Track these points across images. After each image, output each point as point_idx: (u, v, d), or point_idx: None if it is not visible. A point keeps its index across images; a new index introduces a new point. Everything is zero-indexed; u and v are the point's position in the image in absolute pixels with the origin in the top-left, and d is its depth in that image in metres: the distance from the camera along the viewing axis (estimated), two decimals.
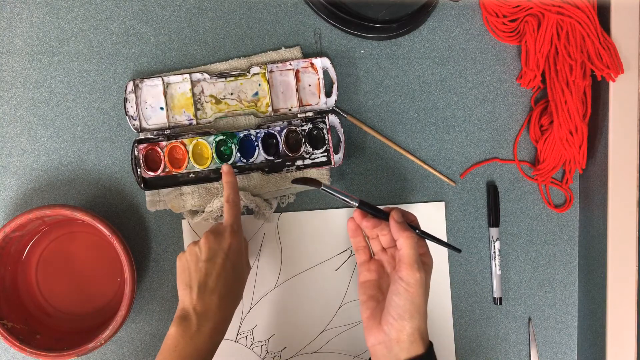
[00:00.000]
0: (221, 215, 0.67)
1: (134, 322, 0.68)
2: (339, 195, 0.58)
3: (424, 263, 0.55)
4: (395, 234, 0.55)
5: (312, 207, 0.69)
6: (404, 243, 0.54)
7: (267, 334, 0.69)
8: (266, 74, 0.66)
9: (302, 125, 0.67)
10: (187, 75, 0.66)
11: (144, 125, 0.66)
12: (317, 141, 0.67)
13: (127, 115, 0.66)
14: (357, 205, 0.58)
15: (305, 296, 0.69)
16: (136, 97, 0.65)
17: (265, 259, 0.69)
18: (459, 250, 0.61)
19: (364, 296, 0.58)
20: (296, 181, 0.60)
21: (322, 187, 0.58)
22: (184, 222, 0.68)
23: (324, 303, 0.69)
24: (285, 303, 0.69)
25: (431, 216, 0.69)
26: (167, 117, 0.66)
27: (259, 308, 0.69)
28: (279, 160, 0.67)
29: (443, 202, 0.69)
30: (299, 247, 0.69)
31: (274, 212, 0.68)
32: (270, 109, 0.67)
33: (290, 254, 0.69)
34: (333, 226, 0.69)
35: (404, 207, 0.69)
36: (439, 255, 0.69)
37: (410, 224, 0.58)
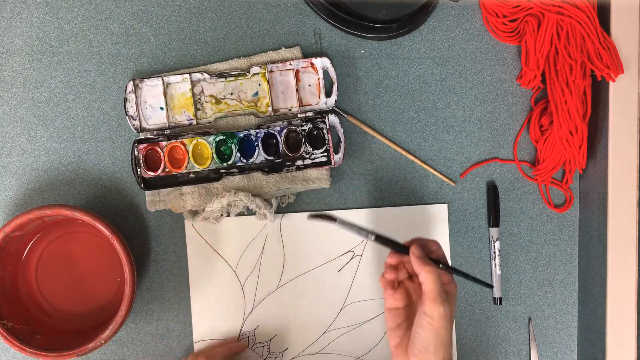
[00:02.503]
0: (221, 216, 0.67)
1: (134, 322, 0.68)
2: (354, 230, 0.57)
3: (447, 292, 0.55)
4: (417, 269, 0.55)
5: (313, 208, 0.69)
6: (426, 278, 0.53)
7: (269, 335, 0.69)
8: (266, 74, 0.66)
9: (302, 125, 0.67)
10: (187, 75, 0.66)
11: (144, 125, 0.66)
12: (317, 141, 0.67)
13: (127, 115, 0.66)
14: (373, 239, 0.57)
15: (308, 297, 0.69)
16: (136, 97, 0.65)
17: (267, 260, 0.69)
18: (490, 286, 0.59)
19: (392, 323, 0.58)
20: (312, 217, 0.58)
21: (338, 222, 0.56)
22: (187, 225, 0.68)
23: (326, 304, 0.69)
24: (287, 304, 0.69)
25: (434, 218, 0.69)
26: (167, 117, 0.66)
27: (261, 309, 0.69)
28: (279, 160, 0.67)
29: (446, 205, 0.69)
30: (301, 248, 0.69)
31: (276, 212, 0.68)
32: (270, 109, 0.67)
33: (292, 255, 0.69)
34: (336, 227, 0.69)
35: (407, 208, 0.69)
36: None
37: (431, 255, 0.57)
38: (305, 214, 0.69)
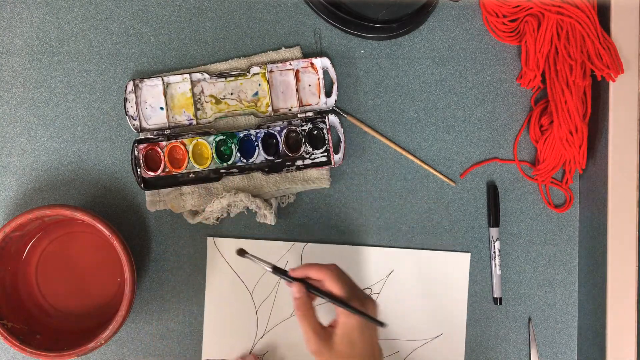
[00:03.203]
0: (222, 216, 0.67)
1: (134, 322, 0.68)
2: (258, 262, 0.58)
3: (341, 323, 0.55)
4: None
5: (313, 208, 0.69)
6: (297, 319, 0.56)
7: None
8: (266, 74, 0.66)
9: (302, 125, 0.67)
10: (187, 75, 0.66)
11: (144, 125, 0.66)
12: (317, 141, 0.67)
13: (127, 115, 0.66)
14: (270, 270, 0.58)
15: None
16: (136, 97, 0.65)
17: (285, 288, 0.68)
18: (382, 325, 0.56)
19: None
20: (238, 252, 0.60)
21: (245, 255, 0.59)
22: (210, 242, 0.68)
23: None
24: (299, 334, 0.67)
25: (454, 267, 0.69)
26: (167, 117, 0.66)
27: (273, 335, 0.68)
28: (279, 160, 0.67)
29: (469, 254, 0.69)
30: None
31: (298, 241, 0.68)
32: (270, 109, 0.67)
33: None
34: (357, 263, 0.69)
35: (428, 253, 0.69)
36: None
37: (322, 286, 0.57)
38: (329, 246, 0.69)
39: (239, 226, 0.69)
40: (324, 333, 0.55)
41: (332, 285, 0.55)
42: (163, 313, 0.69)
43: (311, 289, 0.57)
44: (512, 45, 0.70)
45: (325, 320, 0.58)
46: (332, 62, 0.67)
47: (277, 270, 0.58)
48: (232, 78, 0.67)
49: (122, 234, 0.63)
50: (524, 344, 0.70)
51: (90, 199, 0.68)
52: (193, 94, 0.66)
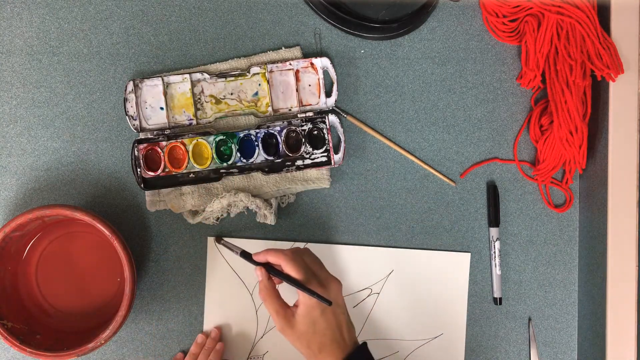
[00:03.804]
0: (222, 216, 0.67)
1: (134, 322, 0.68)
2: (231, 247, 0.65)
3: (298, 305, 0.58)
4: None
5: (313, 208, 0.69)
6: (261, 300, 0.60)
7: None
8: (266, 73, 0.66)
9: (302, 125, 0.67)
10: (187, 75, 0.66)
11: (144, 125, 0.66)
12: (317, 141, 0.67)
13: (127, 115, 0.66)
14: (238, 254, 0.63)
15: None
16: (136, 97, 0.65)
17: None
18: (329, 303, 0.57)
19: None
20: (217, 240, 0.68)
21: (221, 242, 0.67)
22: (210, 242, 0.68)
23: None
24: None
25: (454, 267, 0.69)
26: (167, 117, 0.66)
27: (272, 335, 0.68)
28: (279, 160, 0.67)
29: (469, 254, 0.69)
30: None
31: (299, 241, 0.68)
32: (270, 109, 0.67)
33: None
34: (357, 262, 0.69)
35: (428, 253, 0.69)
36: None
37: (278, 266, 0.60)
38: (330, 246, 0.69)
39: (239, 226, 0.69)
40: (287, 313, 0.58)
41: (288, 268, 0.58)
42: (163, 313, 0.69)
43: (271, 272, 0.60)
44: (512, 45, 0.70)
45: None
46: (332, 62, 0.67)
47: (244, 254, 0.62)
48: (232, 78, 0.67)
49: (122, 234, 0.63)
50: (524, 344, 0.70)
51: (90, 199, 0.68)
52: (193, 94, 0.66)
